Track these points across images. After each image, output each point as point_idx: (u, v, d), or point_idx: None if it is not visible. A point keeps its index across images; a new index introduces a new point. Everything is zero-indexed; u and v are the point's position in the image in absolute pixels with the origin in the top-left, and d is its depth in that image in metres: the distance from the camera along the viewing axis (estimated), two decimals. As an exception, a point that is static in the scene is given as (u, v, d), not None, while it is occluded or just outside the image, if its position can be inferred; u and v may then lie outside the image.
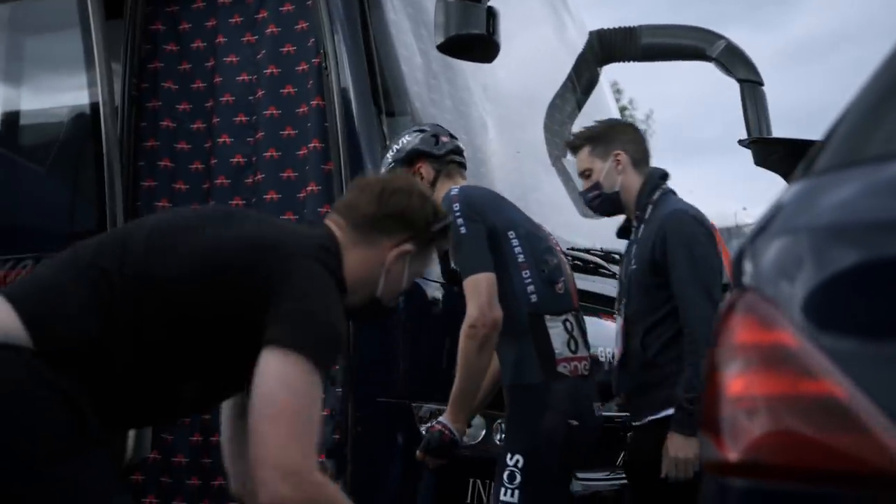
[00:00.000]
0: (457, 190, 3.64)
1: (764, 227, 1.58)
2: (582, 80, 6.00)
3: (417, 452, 3.69)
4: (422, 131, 3.83)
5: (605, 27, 6.15)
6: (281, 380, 2.15)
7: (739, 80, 5.97)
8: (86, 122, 4.68)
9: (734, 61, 5.98)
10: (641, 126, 29.54)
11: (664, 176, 3.90)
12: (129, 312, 2.22)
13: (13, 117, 4.95)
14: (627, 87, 29.14)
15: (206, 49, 4.72)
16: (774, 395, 1.44)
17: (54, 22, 4.84)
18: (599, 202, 3.88)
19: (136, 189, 4.66)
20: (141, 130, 4.71)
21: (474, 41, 3.86)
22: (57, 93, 4.84)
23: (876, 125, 1.63)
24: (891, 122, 1.61)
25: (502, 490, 3.52)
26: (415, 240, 2.52)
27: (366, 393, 4.16)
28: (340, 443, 4.13)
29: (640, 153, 3.87)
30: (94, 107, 4.59)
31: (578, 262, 4.88)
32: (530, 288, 3.61)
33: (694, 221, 3.67)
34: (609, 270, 5.11)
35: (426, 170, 3.75)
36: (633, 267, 3.73)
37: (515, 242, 3.63)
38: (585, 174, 3.87)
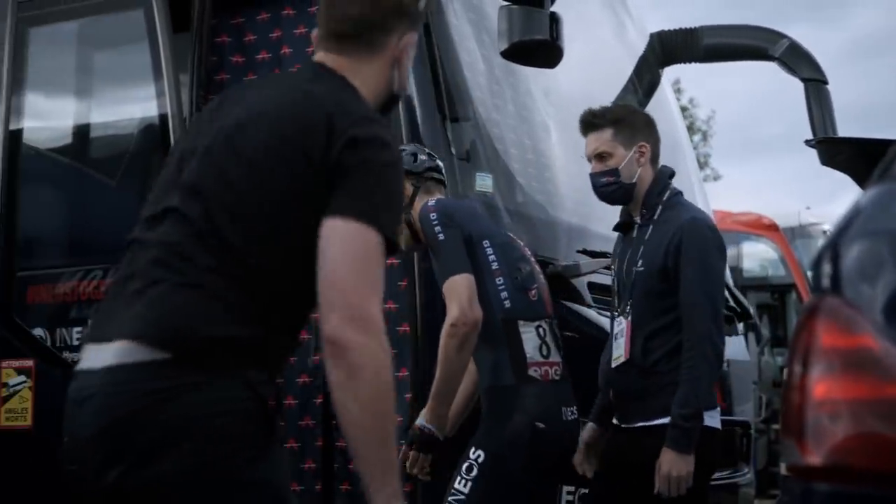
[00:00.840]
0: (433, 201, 3.74)
1: (843, 230, 1.59)
2: (643, 83, 5.98)
3: (401, 452, 3.74)
4: (402, 150, 3.87)
5: (666, 29, 6.14)
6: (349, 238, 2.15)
7: (803, 80, 5.92)
8: (154, 134, 4.76)
9: (798, 60, 5.93)
10: (702, 126, 29.40)
11: (672, 175, 3.86)
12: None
13: (84, 130, 5.04)
14: (688, 85, 28.94)
15: (271, 60, 4.77)
16: (858, 399, 1.44)
17: (123, 36, 4.93)
18: (613, 190, 3.79)
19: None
20: (209, 141, 4.76)
21: (538, 47, 3.88)
22: (126, 106, 4.92)
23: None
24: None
25: (457, 479, 3.65)
26: (412, 25, 2.47)
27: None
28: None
29: (658, 149, 3.84)
30: (163, 119, 4.66)
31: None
32: (504, 294, 3.71)
33: (711, 233, 3.65)
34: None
35: (405, 186, 3.78)
36: (640, 269, 3.68)
37: (490, 251, 3.71)
38: (603, 156, 3.78)
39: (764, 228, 11.32)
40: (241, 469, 2.17)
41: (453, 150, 4.28)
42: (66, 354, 4.73)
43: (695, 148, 29.67)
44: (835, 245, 1.58)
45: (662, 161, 5.85)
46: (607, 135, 3.77)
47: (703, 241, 3.59)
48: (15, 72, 4.92)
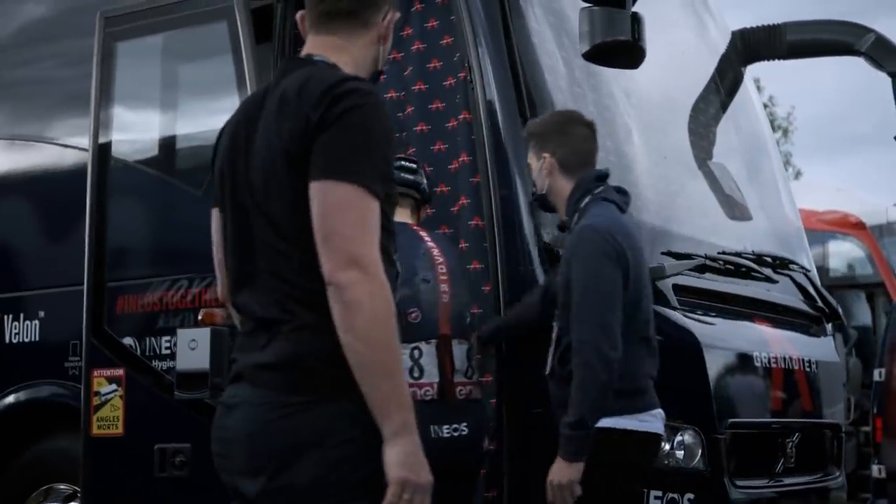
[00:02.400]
0: None
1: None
2: (725, 81, 5.93)
3: None
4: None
5: (748, 26, 6.07)
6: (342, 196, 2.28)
7: (890, 74, 5.81)
8: (239, 144, 4.81)
9: (884, 54, 5.82)
10: (783, 123, 28.99)
11: (601, 177, 3.74)
12: None
13: (170, 142, 5.12)
14: (769, 83, 28.56)
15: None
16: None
17: (207, 48, 4.99)
18: (535, 201, 3.92)
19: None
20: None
21: (620, 48, 3.86)
22: (211, 117, 4.98)
23: None
24: None
25: None
26: (394, 5, 2.58)
27: (520, 405, 4.17)
28: (497, 453, 4.15)
29: (573, 158, 3.73)
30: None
31: (729, 266, 4.81)
32: None
33: (599, 238, 3.51)
34: (761, 273, 5.03)
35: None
36: (557, 279, 3.68)
37: None
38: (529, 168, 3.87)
39: (850, 227, 11.10)
40: (365, 477, 2.29)
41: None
42: (155, 363, 4.80)
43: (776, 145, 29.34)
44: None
45: (745, 161, 5.86)
46: (529, 147, 3.85)
47: (590, 246, 3.50)
48: (103, 86, 5.01)
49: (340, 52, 2.50)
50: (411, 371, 3.79)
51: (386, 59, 2.64)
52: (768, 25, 6.07)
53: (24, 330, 5.35)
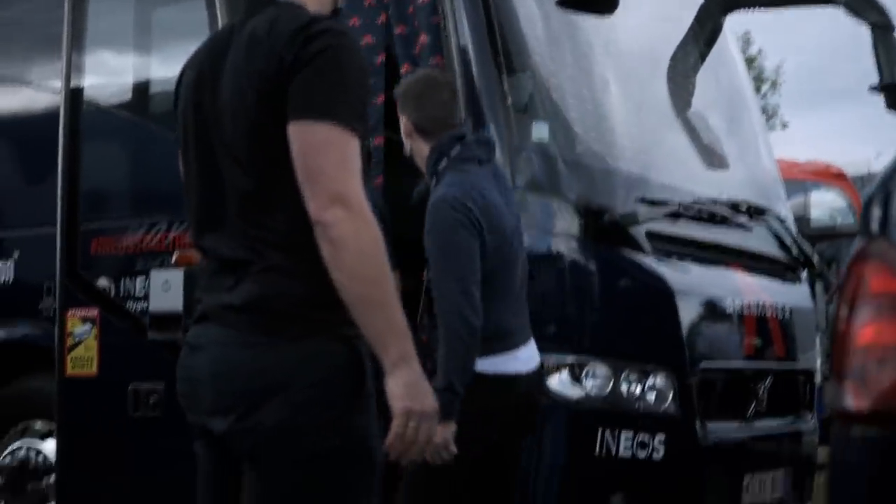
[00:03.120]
0: None
1: (893, 173, 1.56)
2: (705, 30, 5.89)
3: None
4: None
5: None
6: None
7: (870, 24, 5.78)
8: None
9: (864, 5, 5.78)
10: (771, 76, 28.89)
11: (457, 137, 3.64)
12: None
13: (143, 86, 5.09)
14: (758, 36, 28.46)
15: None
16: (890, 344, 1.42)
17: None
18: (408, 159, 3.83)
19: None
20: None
21: (593, -6, 3.83)
22: (185, 60, 4.97)
23: None
24: None
25: None
26: None
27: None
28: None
29: (428, 122, 3.66)
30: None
31: (704, 214, 4.83)
32: None
33: (450, 210, 3.48)
34: (736, 221, 5.05)
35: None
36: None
37: None
38: None
39: (832, 177, 11.11)
40: (333, 419, 2.30)
41: (510, 101, 4.26)
42: (130, 304, 4.81)
43: (763, 97, 29.31)
44: (885, 187, 1.55)
45: (724, 111, 5.85)
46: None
47: (441, 220, 3.49)
48: (75, 29, 4.96)
49: None
50: None
51: None
52: (749, -26, 6.03)
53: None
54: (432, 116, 3.67)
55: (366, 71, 2.40)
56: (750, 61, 29.38)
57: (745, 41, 29.26)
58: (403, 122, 3.73)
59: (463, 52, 4.28)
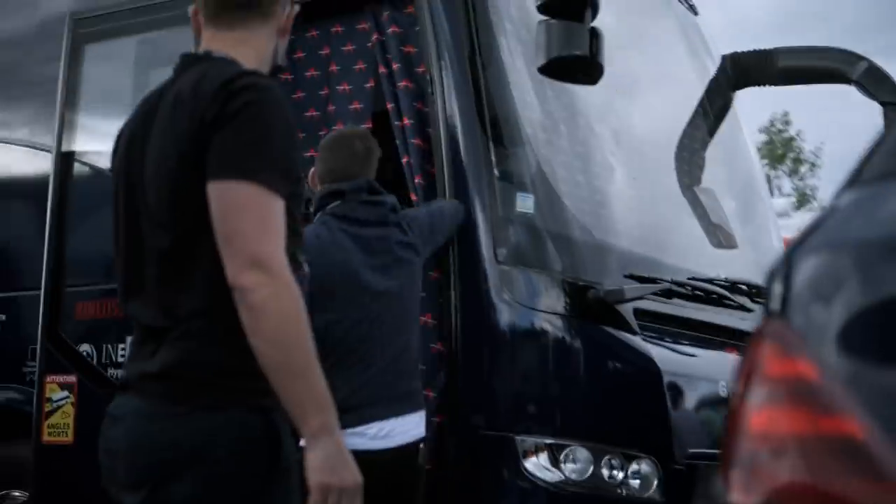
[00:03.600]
0: None
1: (799, 245, 1.42)
2: (714, 106, 5.79)
3: None
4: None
5: (739, 50, 5.94)
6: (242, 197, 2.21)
7: (882, 103, 5.66)
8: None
9: (876, 83, 5.66)
10: (811, 157, 28.77)
11: (334, 193, 3.78)
12: None
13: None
14: (798, 118, 28.45)
15: (319, 77, 4.71)
16: (791, 435, 1.28)
17: (178, 52, 4.90)
18: None
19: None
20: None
21: (576, 63, 3.73)
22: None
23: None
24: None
25: None
26: None
27: (469, 426, 4.05)
28: (439, 475, 4.03)
29: (327, 175, 3.84)
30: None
31: (699, 292, 4.67)
32: None
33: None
34: (735, 301, 4.88)
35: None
36: None
37: None
38: None
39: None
40: (247, 495, 2.20)
41: (495, 172, 4.15)
42: (111, 371, 4.71)
43: (801, 179, 29.09)
44: (788, 262, 1.42)
45: (730, 189, 5.72)
46: None
47: None
48: (69, 89, 4.94)
49: (241, 45, 2.41)
50: None
51: (284, 53, 2.56)
52: (760, 50, 5.93)
53: (-17, 333, 5.29)
54: (331, 169, 3.85)
55: (291, 126, 2.30)
56: (789, 141, 29.29)
57: (785, 122, 29.19)
58: (312, 172, 3.92)
59: (449, 118, 4.18)
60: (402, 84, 4.40)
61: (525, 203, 4.11)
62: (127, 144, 2.43)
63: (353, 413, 3.47)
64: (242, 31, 2.42)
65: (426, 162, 4.26)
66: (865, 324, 1.31)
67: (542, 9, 3.75)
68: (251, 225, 2.16)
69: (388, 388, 3.61)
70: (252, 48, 2.42)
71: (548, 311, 4.12)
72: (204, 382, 2.22)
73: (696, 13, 6.03)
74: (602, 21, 4.79)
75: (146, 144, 2.35)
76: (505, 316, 4.07)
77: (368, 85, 4.55)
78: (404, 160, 4.33)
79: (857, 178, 1.49)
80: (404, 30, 4.48)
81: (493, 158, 4.18)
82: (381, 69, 4.47)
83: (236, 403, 2.21)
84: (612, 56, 4.81)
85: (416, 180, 4.27)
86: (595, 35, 3.74)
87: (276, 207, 2.19)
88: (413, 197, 4.27)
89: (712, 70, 5.83)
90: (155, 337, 2.29)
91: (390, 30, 4.50)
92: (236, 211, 2.17)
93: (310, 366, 2.15)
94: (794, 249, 1.42)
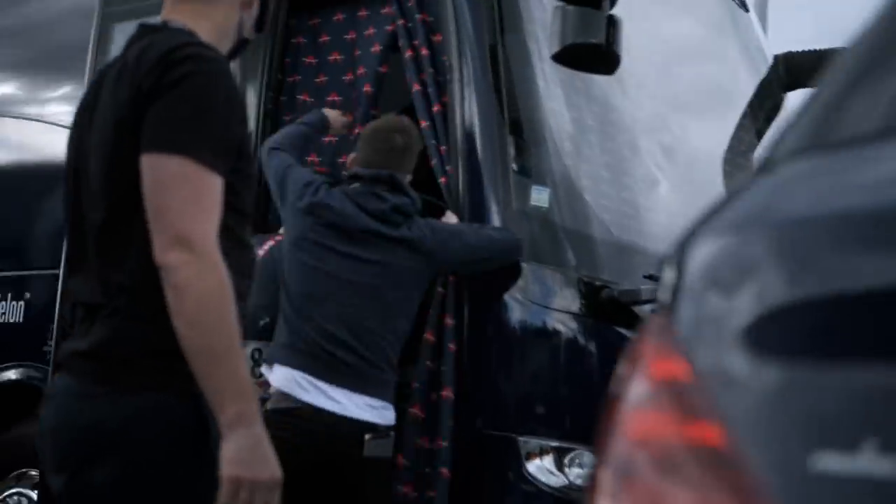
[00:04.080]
0: None
1: (696, 227, 1.27)
2: (764, 108, 5.57)
3: None
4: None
5: (793, 50, 5.71)
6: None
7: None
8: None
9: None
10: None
11: (354, 176, 3.89)
12: None
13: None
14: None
15: (343, 62, 4.61)
16: (661, 441, 1.13)
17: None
18: None
19: (268, 202, 4.60)
20: (276, 144, 4.64)
21: (592, 51, 3.58)
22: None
23: (856, 101, 1.30)
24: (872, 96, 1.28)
25: None
26: None
27: (472, 425, 3.91)
28: (444, 477, 3.89)
29: (363, 162, 3.91)
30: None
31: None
32: None
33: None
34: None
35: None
36: None
37: None
38: None
39: None
40: (169, 483, 2.12)
41: (511, 163, 4.01)
42: None
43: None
44: (683, 246, 1.26)
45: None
46: None
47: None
48: (98, 69, 4.90)
49: (200, 17, 2.34)
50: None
51: (251, 26, 2.46)
52: (815, 50, 5.70)
53: (10, 311, 5.27)
54: (366, 158, 3.89)
55: (234, 100, 2.20)
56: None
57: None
58: (352, 157, 4.02)
59: (465, 109, 4.05)
60: (429, 71, 4.28)
61: (540, 197, 3.96)
62: (78, 115, 2.37)
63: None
64: (203, 4, 2.35)
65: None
66: (764, 321, 1.16)
67: (558, -6, 3.60)
68: (180, 201, 2.07)
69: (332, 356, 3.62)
70: (210, 20, 2.34)
71: (560, 310, 3.98)
72: (131, 363, 2.14)
73: (746, 9, 5.81)
74: (645, 13, 4.65)
75: (94, 113, 2.28)
76: (515, 313, 3.93)
77: (382, 69, 4.44)
78: (434, 144, 4.20)
79: (772, 157, 1.33)
80: (434, 17, 4.36)
81: (510, 150, 4.04)
82: (409, 53, 4.35)
83: (164, 386, 2.12)
84: (650, 49, 4.66)
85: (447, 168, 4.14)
86: (613, 23, 3.57)
87: (209, 184, 2.09)
88: (443, 179, 4.12)
89: (763, 69, 5.62)
90: (90, 314, 2.21)
91: (418, 16, 4.38)
92: (166, 186, 2.08)
93: (230, 351, 2.06)
94: (692, 232, 1.27)
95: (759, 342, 1.14)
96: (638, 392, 1.20)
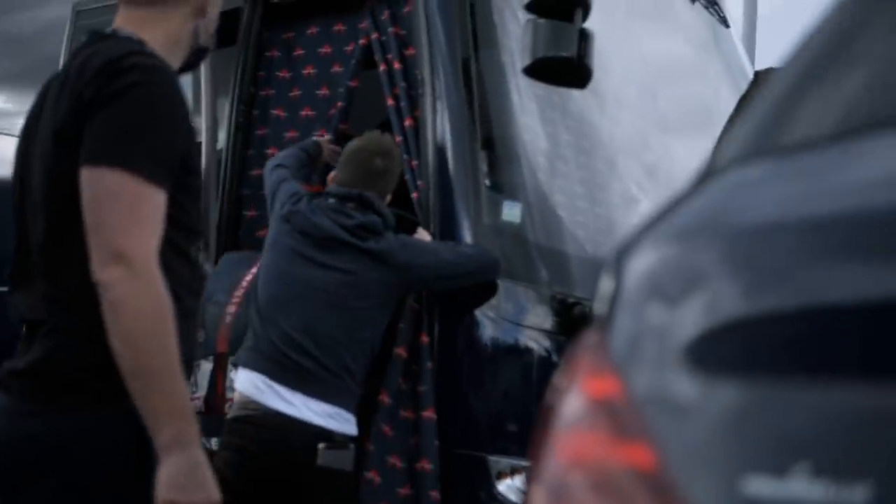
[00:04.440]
0: None
1: (638, 234, 1.21)
2: (731, 119, 5.53)
3: None
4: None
5: (772, 66, 5.68)
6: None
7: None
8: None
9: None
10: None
11: (320, 193, 3.94)
12: None
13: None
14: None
15: (317, 76, 4.55)
16: (593, 463, 1.07)
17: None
18: None
19: (240, 218, 4.54)
20: (248, 158, 4.58)
21: (564, 65, 3.52)
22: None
23: (800, 105, 1.24)
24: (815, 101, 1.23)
25: None
26: None
27: (441, 444, 3.84)
28: (413, 497, 3.82)
29: (341, 181, 3.89)
30: (208, 135, 4.52)
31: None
32: None
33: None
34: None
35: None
36: None
37: None
38: None
39: None
40: (106, 502, 2.06)
41: (482, 178, 3.95)
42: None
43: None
44: (622, 254, 1.20)
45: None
46: None
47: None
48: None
49: (149, 26, 2.26)
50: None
51: (210, 34, 2.39)
52: (796, 66, 5.67)
53: None
54: (346, 180, 3.86)
55: (178, 113, 2.13)
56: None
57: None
58: (331, 175, 4.00)
59: (436, 122, 3.99)
60: (402, 85, 4.22)
61: (512, 212, 3.90)
62: (25, 126, 2.30)
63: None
64: (151, 10, 2.28)
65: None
66: (705, 337, 1.09)
67: (529, 7, 3.55)
68: (118, 216, 2.00)
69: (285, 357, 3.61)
70: (161, 29, 2.26)
71: (532, 327, 3.91)
72: (67, 381, 2.07)
73: (727, 25, 5.78)
74: (625, 27, 4.60)
75: (39, 123, 2.22)
76: (486, 330, 3.87)
77: (352, 83, 4.39)
78: (406, 158, 4.14)
79: (717, 163, 1.27)
80: (407, 31, 4.30)
81: (482, 165, 3.98)
82: (382, 67, 4.30)
83: (101, 406, 2.05)
84: (628, 64, 4.61)
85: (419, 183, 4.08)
86: (584, 37, 3.52)
87: (149, 198, 2.03)
88: (415, 195, 4.07)
89: (744, 85, 5.58)
90: (31, 331, 2.16)
91: (391, 30, 4.33)
92: (103, 200, 2.01)
93: (165, 371, 1.99)
94: (633, 240, 1.21)
95: (702, 358, 1.08)
96: (571, 410, 1.14)
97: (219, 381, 3.95)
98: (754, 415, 0.98)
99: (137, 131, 2.04)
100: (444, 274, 3.76)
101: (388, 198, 3.87)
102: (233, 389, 3.82)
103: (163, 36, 2.26)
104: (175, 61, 2.28)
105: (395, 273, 3.67)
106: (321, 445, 3.53)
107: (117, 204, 2.00)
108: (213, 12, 2.37)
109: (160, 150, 2.05)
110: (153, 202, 2.03)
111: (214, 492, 1.99)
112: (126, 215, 2.00)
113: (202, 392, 3.95)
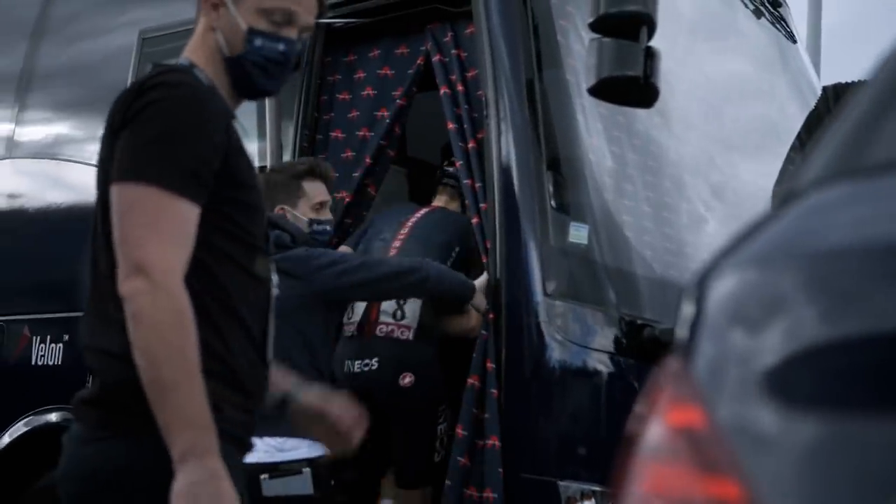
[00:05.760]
0: None
1: (719, 257, 1.17)
2: (812, 140, 5.44)
3: None
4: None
5: (842, 81, 5.59)
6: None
7: None
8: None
9: None
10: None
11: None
12: None
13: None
14: None
15: (376, 98, 4.55)
16: (667, 494, 1.03)
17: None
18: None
19: (304, 241, 4.55)
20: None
21: (630, 84, 3.47)
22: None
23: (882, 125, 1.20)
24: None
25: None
26: None
27: (510, 468, 3.79)
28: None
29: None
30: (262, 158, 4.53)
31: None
32: None
33: None
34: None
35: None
36: None
37: None
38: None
39: None
40: None
41: (549, 199, 3.91)
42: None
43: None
44: (704, 278, 1.16)
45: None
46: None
47: None
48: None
49: (193, 45, 2.31)
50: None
51: (238, 45, 2.25)
52: (865, 81, 5.57)
53: (49, 353, 5.24)
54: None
55: (204, 124, 2.10)
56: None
57: None
58: None
59: (502, 144, 3.96)
60: (465, 107, 4.21)
61: (579, 233, 3.86)
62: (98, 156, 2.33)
63: None
64: (197, 27, 2.33)
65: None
66: (793, 364, 1.05)
67: (593, 26, 3.51)
68: (139, 228, 2.01)
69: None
70: (196, 45, 2.30)
71: (599, 350, 3.86)
72: (121, 405, 2.08)
73: (794, 41, 5.69)
74: (693, 47, 4.54)
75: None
76: (554, 353, 3.82)
77: (400, 102, 4.41)
78: (468, 182, 4.12)
79: (798, 185, 1.23)
80: (469, 53, 4.29)
81: (548, 186, 3.94)
82: (444, 89, 4.29)
83: (154, 429, 2.02)
84: (695, 83, 4.56)
85: (481, 206, 4.05)
86: (650, 55, 3.47)
87: (173, 210, 2.02)
88: (475, 219, 4.05)
89: (812, 101, 5.49)
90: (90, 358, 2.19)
91: (453, 52, 4.32)
92: (125, 214, 2.03)
93: (182, 381, 1.97)
94: (713, 264, 1.17)
95: (786, 387, 1.04)
96: (654, 439, 1.10)
97: (374, 307, 4.18)
98: (859, 449, 0.94)
99: (157, 144, 2.05)
100: (347, 284, 3.79)
101: (288, 210, 3.92)
102: (387, 314, 4.16)
103: (198, 52, 2.27)
104: (218, 76, 2.25)
105: (303, 286, 3.70)
106: (263, 476, 3.45)
107: (138, 217, 2.02)
108: (230, 27, 2.26)
109: (184, 162, 2.05)
110: (178, 214, 2.03)
111: (232, 502, 1.97)
112: (146, 227, 2.01)
113: (357, 318, 4.21)
